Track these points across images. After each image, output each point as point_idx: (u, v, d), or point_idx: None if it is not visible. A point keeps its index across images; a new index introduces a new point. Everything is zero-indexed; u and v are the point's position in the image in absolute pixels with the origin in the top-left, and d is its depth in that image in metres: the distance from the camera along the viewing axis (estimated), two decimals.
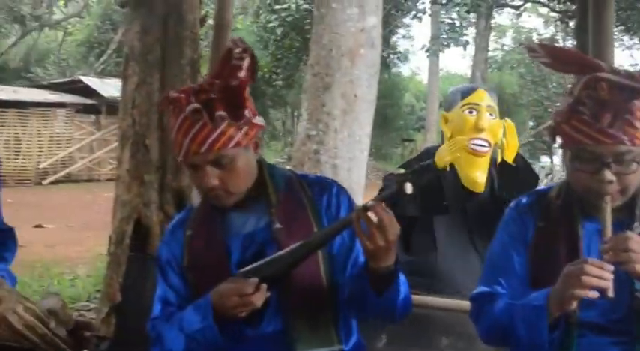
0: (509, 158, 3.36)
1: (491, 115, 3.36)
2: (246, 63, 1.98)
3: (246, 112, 2.02)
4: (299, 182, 2.19)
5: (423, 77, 41.12)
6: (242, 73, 1.97)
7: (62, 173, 21.84)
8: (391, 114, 32.24)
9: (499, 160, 3.41)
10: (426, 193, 3.17)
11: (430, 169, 3.33)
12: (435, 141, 27.36)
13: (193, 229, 2.19)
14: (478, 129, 3.30)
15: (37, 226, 11.80)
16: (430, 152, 3.48)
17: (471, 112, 3.33)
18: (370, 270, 1.92)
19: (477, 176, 3.31)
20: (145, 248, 3.88)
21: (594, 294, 1.73)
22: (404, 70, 38.83)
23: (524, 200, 2.14)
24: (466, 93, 3.41)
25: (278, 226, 2.07)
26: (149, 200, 4.02)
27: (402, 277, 1.99)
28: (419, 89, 41.35)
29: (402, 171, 3.44)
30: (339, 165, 5.69)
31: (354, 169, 5.77)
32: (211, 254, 2.12)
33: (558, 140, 1.93)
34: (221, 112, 1.97)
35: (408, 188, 1.81)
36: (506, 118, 3.51)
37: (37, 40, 32.97)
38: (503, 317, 1.96)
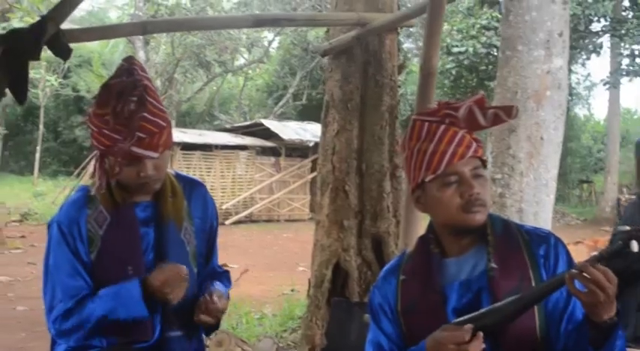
0: None
1: None
2: None
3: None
4: (516, 227, 2.16)
5: (599, 117, 39.59)
6: None
7: (244, 214, 22.45)
8: (569, 155, 31.22)
9: None
10: None
11: None
12: (616, 183, 26.09)
13: (408, 274, 2.18)
14: None
15: (222, 265, 12.19)
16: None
17: None
18: (591, 324, 1.86)
19: None
20: (344, 292, 3.96)
21: None
22: (580, 110, 37.66)
23: None
24: None
25: (494, 265, 2.05)
26: (348, 245, 4.09)
27: (620, 331, 1.90)
28: (596, 130, 39.67)
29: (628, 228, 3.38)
30: (524, 209, 5.56)
31: (541, 213, 5.61)
32: (427, 300, 2.10)
33: None
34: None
35: (635, 246, 1.75)
36: None
37: (221, 85, 34.29)
38: None
